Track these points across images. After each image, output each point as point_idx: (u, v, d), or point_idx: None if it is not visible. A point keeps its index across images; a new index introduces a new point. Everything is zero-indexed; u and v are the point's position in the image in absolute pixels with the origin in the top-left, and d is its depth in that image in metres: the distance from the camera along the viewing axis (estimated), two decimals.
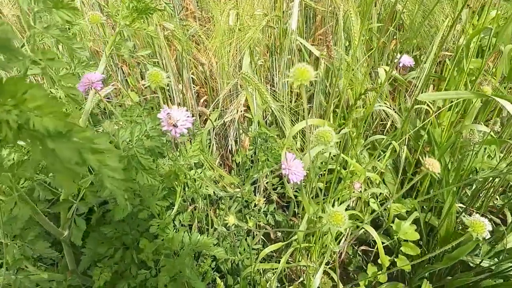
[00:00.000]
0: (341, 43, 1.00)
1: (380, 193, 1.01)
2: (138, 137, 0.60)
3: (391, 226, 1.03)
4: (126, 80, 1.44)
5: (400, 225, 0.99)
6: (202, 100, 1.48)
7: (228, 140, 1.37)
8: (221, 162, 1.40)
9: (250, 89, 0.97)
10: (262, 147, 0.97)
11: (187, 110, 0.49)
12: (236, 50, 1.01)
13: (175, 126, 0.48)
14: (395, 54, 1.31)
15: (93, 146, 0.30)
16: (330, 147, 0.44)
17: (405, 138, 0.94)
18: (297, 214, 1.24)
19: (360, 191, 0.91)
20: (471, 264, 1.15)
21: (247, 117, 1.29)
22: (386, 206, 1.00)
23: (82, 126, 0.34)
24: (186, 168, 0.82)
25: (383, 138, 0.87)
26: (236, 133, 1.30)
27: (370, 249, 1.33)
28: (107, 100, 1.29)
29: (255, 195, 1.09)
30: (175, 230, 0.85)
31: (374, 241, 1.28)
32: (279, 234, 1.35)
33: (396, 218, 1.04)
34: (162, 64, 1.06)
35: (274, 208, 1.02)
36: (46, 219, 0.73)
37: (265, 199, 1.25)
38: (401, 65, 0.74)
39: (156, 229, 0.76)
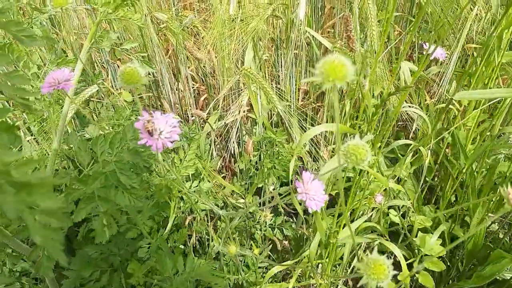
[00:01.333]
0: (356, 34, 0.89)
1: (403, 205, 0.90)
2: (118, 148, 0.49)
3: (413, 240, 0.92)
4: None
5: (425, 240, 0.88)
6: (202, 99, 1.37)
7: (230, 142, 1.26)
8: (222, 165, 1.29)
9: (254, 87, 0.86)
10: (268, 152, 0.86)
11: (174, 116, 0.38)
12: (238, 43, 0.90)
13: (156, 138, 0.37)
14: (416, 45, 1.20)
15: (11, 178, 0.20)
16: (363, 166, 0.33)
17: (431, 142, 0.83)
18: (307, 223, 1.13)
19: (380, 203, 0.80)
20: (498, 278, 1.04)
21: (250, 117, 1.18)
22: (409, 219, 0.89)
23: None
24: (182, 179, 0.71)
25: (409, 144, 0.76)
26: (239, 135, 1.19)
27: None
28: (98, 100, 1.18)
29: (260, 205, 0.98)
30: (170, 249, 0.74)
31: (391, 252, 1.18)
32: (286, 243, 1.24)
33: (419, 231, 0.93)
34: (155, 59, 0.95)
35: (282, 221, 0.91)
36: (16, 241, 0.63)
37: (271, 207, 1.14)
38: (432, 58, 0.63)
39: (145, 252, 0.66)
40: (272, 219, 0.90)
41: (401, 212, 0.95)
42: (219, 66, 0.92)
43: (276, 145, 0.88)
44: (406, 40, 0.78)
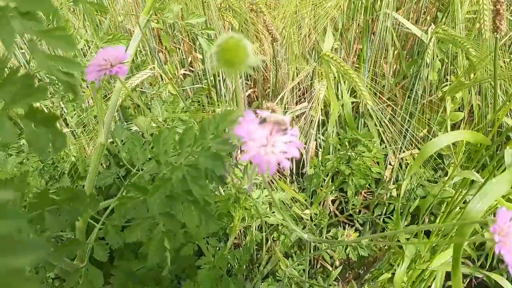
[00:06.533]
0: (457, 17, 0.74)
1: None
2: (190, 149, 0.36)
3: None
4: (163, 67, 1.21)
5: None
6: (249, 92, 1.24)
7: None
8: None
9: (328, 77, 0.72)
10: (344, 156, 0.72)
11: (289, 127, 0.25)
12: (310, 27, 0.76)
13: (268, 152, 0.23)
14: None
15: None
16: None
17: None
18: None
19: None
20: None
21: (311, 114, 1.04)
22: None
23: None
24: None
25: None
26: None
27: None
28: (141, 90, 1.07)
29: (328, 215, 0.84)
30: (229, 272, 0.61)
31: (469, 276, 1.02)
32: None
33: None
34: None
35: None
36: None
37: (329, 219, 1.00)
38: None
39: (206, 276, 0.53)
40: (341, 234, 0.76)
41: None
42: (286, 54, 0.78)
43: (351, 148, 0.74)
44: None
